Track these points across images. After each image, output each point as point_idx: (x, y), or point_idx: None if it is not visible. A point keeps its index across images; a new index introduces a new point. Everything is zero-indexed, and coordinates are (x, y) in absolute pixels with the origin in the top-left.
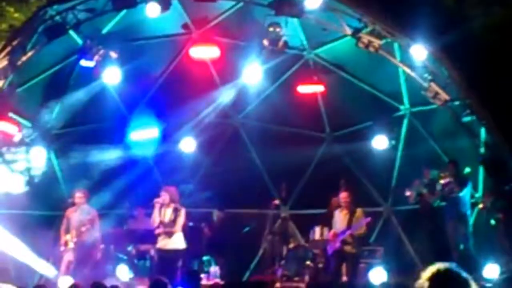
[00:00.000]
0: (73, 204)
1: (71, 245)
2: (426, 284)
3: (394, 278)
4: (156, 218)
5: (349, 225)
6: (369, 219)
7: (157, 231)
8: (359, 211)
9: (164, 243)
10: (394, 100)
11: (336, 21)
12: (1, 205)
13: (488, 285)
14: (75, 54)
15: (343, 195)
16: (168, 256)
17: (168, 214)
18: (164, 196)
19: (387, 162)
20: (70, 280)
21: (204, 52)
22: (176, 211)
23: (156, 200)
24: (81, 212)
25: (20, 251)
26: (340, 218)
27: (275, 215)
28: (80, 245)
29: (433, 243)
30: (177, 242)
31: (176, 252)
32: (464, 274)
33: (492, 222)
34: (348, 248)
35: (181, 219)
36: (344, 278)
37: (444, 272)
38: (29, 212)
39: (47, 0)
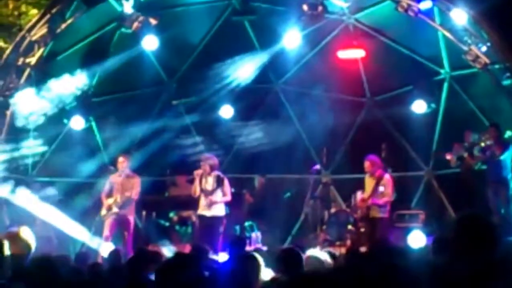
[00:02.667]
0: (115, 170)
1: (114, 209)
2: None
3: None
4: (196, 188)
5: (374, 191)
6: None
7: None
8: (386, 177)
9: (205, 209)
10: (434, 64)
11: None
12: (43, 172)
13: None
14: (115, 21)
15: (366, 165)
16: (209, 223)
17: (210, 182)
18: (204, 166)
19: (427, 126)
20: (111, 246)
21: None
22: (218, 178)
23: (196, 172)
24: (124, 177)
25: (62, 220)
26: (368, 184)
27: (316, 180)
28: (123, 209)
29: (474, 206)
30: (218, 209)
31: (217, 218)
32: (492, 221)
33: None
34: (374, 213)
35: (226, 189)
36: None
37: (470, 216)
38: (70, 180)
39: None
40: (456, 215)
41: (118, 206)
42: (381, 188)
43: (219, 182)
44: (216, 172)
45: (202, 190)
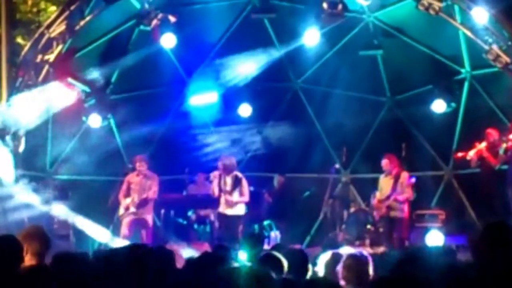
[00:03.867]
0: (133, 169)
1: (132, 209)
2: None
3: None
4: (215, 189)
5: (393, 190)
6: (413, 180)
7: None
8: (403, 175)
9: (225, 208)
10: (454, 63)
11: None
12: (61, 170)
13: None
14: (133, 18)
15: (383, 162)
16: (229, 221)
17: (228, 182)
18: (221, 167)
19: (448, 125)
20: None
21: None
22: (236, 179)
23: (213, 174)
24: (142, 177)
25: (79, 219)
26: (384, 184)
27: (336, 179)
28: (141, 209)
29: (495, 207)
30: (238, 208)
31: (237, 217)
32: None
33: None
34: (394, 213)
35: (244, 189)
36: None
37: (497, 224)
38: (89, 178)
39: None
40: (482, 222)
41: (136, 206)
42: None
43: (236, 182)
44: (234, 172)
45: (221, 190)
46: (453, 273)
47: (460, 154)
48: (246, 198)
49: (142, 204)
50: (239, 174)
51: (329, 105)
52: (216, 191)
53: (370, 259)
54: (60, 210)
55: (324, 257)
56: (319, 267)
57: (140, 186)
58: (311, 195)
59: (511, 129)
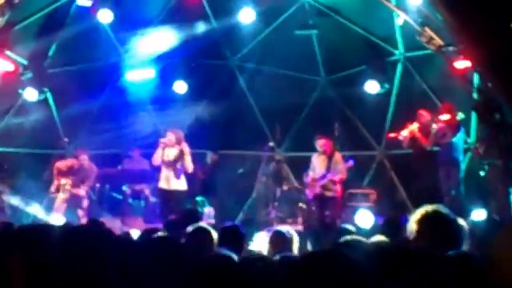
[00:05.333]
0: (75, 157)
1: (63, 194)
2: (415, 226)
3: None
4: (158, 157)
5: (327, 170)
6: (350, 163)
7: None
8: (337, 156)
9: (166, 183)
10: (388, 44)
11: None
12: None
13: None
14: None
15: (319, 142)
16: (169, 196)
17: (172, 154)
18: (170, 137)
19: (381, 106)
20: (62, 219)
21: None
22: (181, 152)
23: (162, 140)
24: (81, 168)
25: (14, 192)
26: (318, 163)
27: (269, 157)
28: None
29: (425, 187)
30: (180, 183)
31: (178, 192)
32: (452, 215)
33: (484, 168)
34: (328, 193)
35: (188, 158)
36: (327, 221)
37: (432, 213)
38: (25, 151)
39: None
40: (412, 202)
41: (68, 191)
42: (334, 166)
43: (181, 155)
44: (180, 146)
45: (163, 161)
46: (381, 251)
47: (392, 135)
48: (189, 170)
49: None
50: (184, 148)
51: (264, 84)
52: (158, 160)
53: (295, 237)
54: None
55: (259, 236)
56: (255, 245)
57: (77, 174)
58: (244, 172)
59: (442, 111)
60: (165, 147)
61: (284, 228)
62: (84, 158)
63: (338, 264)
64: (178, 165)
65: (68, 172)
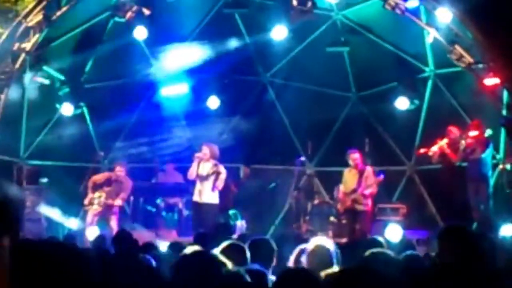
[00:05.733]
0: (111, 170)
1: (95, 206)
2: (443, 242)
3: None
4: (193, 171)
5: (358, 185)
6: (380, 177)
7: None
8: (368, 170)
9: (199, 196)
10: (419, 61)
11: None
12: (34, 156)
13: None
14: (109, 10)
15: (352, 157)
16: (201, 209)
17: (206, 168)
18: (205, 151)
19: (411, 122)
20: (96, 231)
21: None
22: (215, 167)
23: (197, 154)
24: (116, 182)
25: (50, 205)
26: (349, 178)
27: (301, 172)
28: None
29: (455, 203)
30: (212, 196)
31: (210, 206)
32: (476, 231)
33: None
34: (359, 207)
35: (220, 180)
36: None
37: (460, 230)
38: (61, 164)
39: None
40: (441, 216)
41: (101, 204)
42: (364, 181)
43: (215, 170)
44: (214, 161)
45: (197, 175)
46: (412, 266)
47: (422, 150)
48: (219, 188)
49: (108, 206)
50: (218, 163)
51: (296, 100)
52: (194, 174)
53: (335, 250)
54: (31, 196)
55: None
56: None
57: (111, 189)
58: (276, 186)
59: (471, 127)
60: (200, 161)
61: (324, 241)
62: (121, 170)
63: (371, 281)
64: (211, 180)
65: (104, 184)
